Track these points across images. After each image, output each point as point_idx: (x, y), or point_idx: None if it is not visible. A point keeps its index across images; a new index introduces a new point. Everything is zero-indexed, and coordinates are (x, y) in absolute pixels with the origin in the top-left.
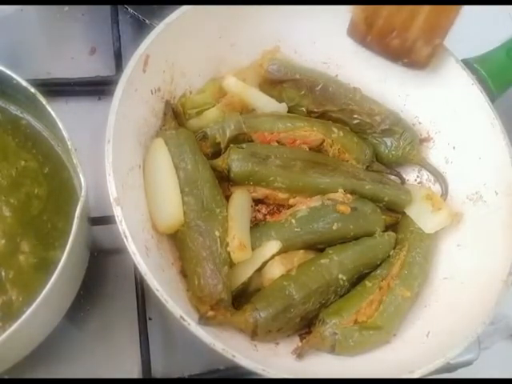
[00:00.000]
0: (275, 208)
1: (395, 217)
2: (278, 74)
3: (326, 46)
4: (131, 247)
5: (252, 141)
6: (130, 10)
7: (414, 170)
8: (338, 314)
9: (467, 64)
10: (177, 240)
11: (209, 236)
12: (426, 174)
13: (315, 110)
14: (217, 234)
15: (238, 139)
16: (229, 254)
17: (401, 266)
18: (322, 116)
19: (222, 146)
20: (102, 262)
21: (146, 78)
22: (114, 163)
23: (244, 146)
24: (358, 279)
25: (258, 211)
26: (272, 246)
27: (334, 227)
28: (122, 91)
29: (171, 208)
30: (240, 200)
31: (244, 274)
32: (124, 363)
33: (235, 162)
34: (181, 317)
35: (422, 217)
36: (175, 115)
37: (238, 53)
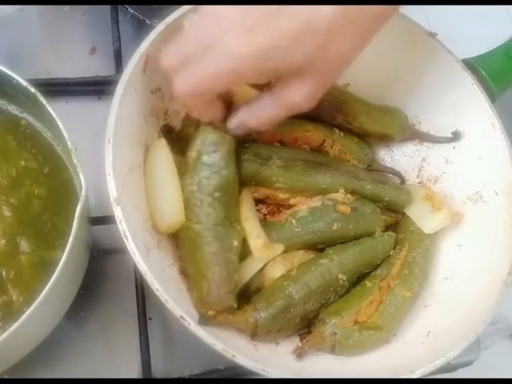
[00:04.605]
0: (275, 208)
1: (395, 217)
2: None
3: None
4: (131, 247)
5: (255, 140)
6: (130, 9)
7: (413, 169)
8: (338, 314)
9: (467, 64)
10: (184, 241)
11: (226, 243)
12: (426, 174)
13: None
14: (235, 243)
15: (242, 139)
16: (239, 261)
17: (401, 266)
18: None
19: None
20: (102, 262)
21: (145, 78)
22: (114, 163)
23: (248, 145)
24: (358, 279)
25: (258, 211)
26: (276, 249)
27: (334, 227)
28: (122, 91)
29: (172, 208)
30: (249, 200)
31: (246, 276)
32: (124, 363)
33: (242, 162)
34: (181, 317)
35: (422, 217)
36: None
37: None
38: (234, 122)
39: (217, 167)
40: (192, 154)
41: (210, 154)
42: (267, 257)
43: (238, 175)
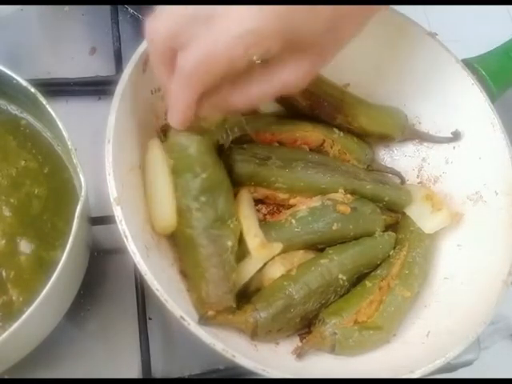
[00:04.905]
0: (275, 208)
1: (395, 217)
2: None
3: None
4: (131, 247)
5: (253, 141)
6: (130, 9)
7: (413, 169)
8: (338, 314)
9: (467, 64)
10: (180, 243)
11: (220, 245)
12: (426, 174)
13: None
14: (229, 243)
15: (240, 140)
16: (236, 260)
17: (401, 266)
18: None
19: (226, 147)
20: (102, 262)
21: (145, 78)
22: (114, 163)
23: (245, 146)
24: (358, 279)
25: (258, 211)
26: (274, 248)
27: (334, 227)
28: (122, 91)
29: (164, 211)
30: (248, 199)
31: (245, 275)
32: (124, 363)
33: (237, 162)
34: (181, 317)
35: (422, 217)
36: None
37: None
38: (213, 100)
39: (193, 172)
40: (169, 161)
41: (182, 159)
42: (265, 256)
43: (233, 174)
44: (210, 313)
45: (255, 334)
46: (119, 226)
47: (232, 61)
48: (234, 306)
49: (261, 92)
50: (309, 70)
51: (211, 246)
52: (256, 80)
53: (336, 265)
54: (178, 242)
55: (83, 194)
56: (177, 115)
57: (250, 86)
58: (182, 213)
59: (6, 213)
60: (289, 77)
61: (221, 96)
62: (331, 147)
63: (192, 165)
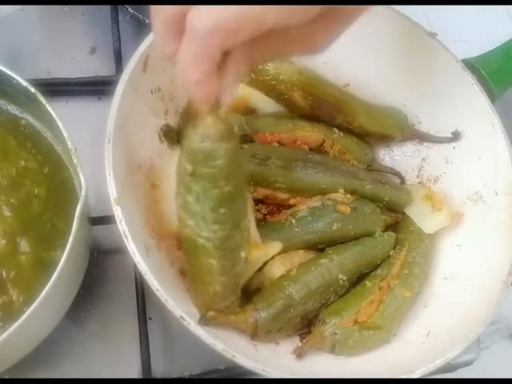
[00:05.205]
0: (275, 208)
1: (395, 217)
2: None
3: None
4: (131, 247)
5: (253, 141)
6: (130, 9)
7: (413, 169)
8: (338, 314)
9: (467, 64)
10: (189, 249)
11: (234, 257)
12: (426, 174)
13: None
14: (242, 254)
15: (240, 140)
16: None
17: (401, 266)
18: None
19: None
20: (102, 262)
21: (146, 78)
22: (114, 163)
23: (245, 146)
24: (358, 279)
25: (258, 211)
26: (274, 247)
27: (334, 227)
28: (122, 91)
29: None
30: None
31: (245, 275)
32: (124, 363)
33: None
34: (181, 317)
35: (422, 217)
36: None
37: None
38: (232, 68)
39: (216, 184)
40: (186, 165)
41: (206, 169)
42: (261, 257)
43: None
44: (211, 313)
45: (255, 333)
46: (119, 226)
47: (263, 27)
48: (238, 310)
49: (285, 52)
50: (336, 32)
51: (225, 259)
52: (279, 41)
53: (336, 265)
54: (184, 246)
55: (83, 193)
56: (200, 89)
57: (273, 46)
58: (195, 221)
59: (6, 213)
60: (317, 39)
61: (241, 61)
62: (331, 147)
63: (216, 177)
